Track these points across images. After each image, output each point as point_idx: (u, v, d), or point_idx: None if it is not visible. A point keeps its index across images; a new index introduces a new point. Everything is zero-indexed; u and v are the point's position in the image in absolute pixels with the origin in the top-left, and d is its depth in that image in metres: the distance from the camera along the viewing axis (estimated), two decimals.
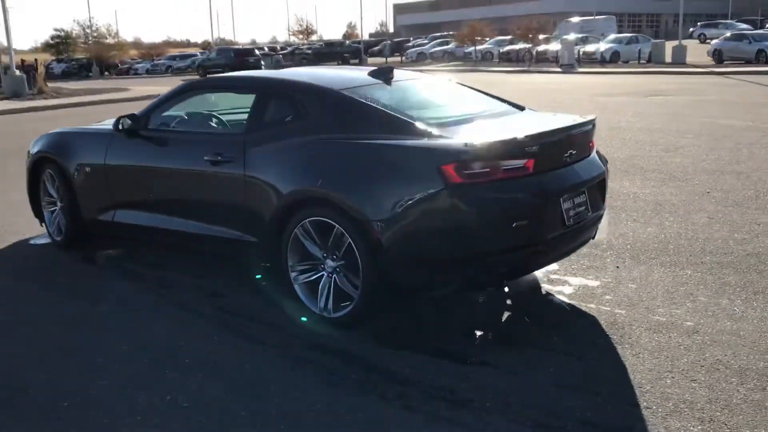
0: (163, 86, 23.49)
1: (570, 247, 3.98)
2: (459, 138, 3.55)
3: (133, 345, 3.68)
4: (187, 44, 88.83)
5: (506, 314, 4.11)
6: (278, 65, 36.45)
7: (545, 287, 4.28)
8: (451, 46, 45.23)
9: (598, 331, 3.65)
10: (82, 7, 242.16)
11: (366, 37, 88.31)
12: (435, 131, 3.65)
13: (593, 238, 4.28)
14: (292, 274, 3.91)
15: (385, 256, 3.50)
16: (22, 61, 32.04)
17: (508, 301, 4.20)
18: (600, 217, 4.11)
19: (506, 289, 4.24)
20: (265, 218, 3.93)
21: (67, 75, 51.29)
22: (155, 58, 60.95)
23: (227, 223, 4.20)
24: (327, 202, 3.68)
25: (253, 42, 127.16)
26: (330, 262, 3.75)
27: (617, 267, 4.56)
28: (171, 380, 3.26)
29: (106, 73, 53.72)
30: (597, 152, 4.17)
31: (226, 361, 3.45)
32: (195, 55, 56.36)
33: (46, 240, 5.60)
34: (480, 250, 3.46)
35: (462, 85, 4.85)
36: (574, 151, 3.79)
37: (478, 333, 3.76)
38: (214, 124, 4.62)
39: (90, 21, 67.28)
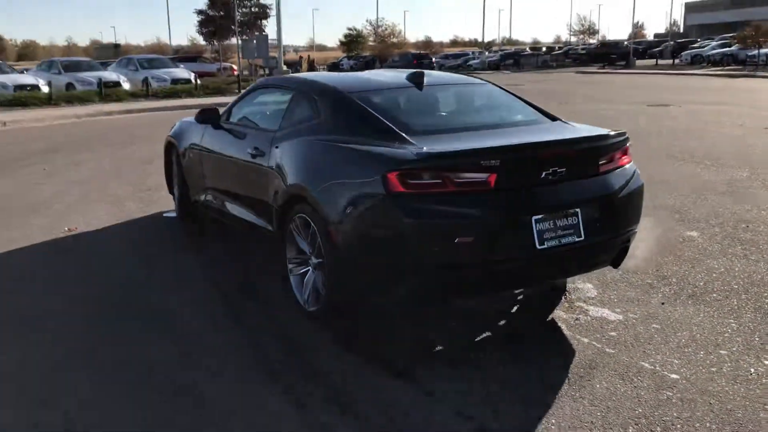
0: None
1: (550, 272, 3.66)
2: (429, 147, 3.43)
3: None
4: (474, 43, 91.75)
5: (485, 334, 3.76)
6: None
7: (557, 313, 3.93)
8: (733, 48, 40.78)
9: (560, 367, 3.30)
10: (383, 7, 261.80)
11: (651, 37, 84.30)
12: (414, 139, 3.57)
13: (616, 266, 3.88)
14: (290, 266, 4.12)
15: (339, 257, 3.55)
16: (300, 56, 35.77)
17: (503, 321, 3.92)
18: (617, 242, 3.72)
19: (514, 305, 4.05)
20: (276, 210, 4.19)
21: (353, 71, 54.84)
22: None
23: (260, 213, 4.53)
24: (306, 200, 3.82)
25: (535, 41, 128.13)
26: (313, 258, 3.88)
27: (663, 303, 4.01)
28: None
29: None
30: (625, 170, 3.78)
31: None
32: (467, 54, 58.31)
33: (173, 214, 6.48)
34: (418, 262, 3.32)
35: (508, 92, 4.62)
36: (562, 169, 3.44)
37: (439, 347, 3.60)
38: (264, 120, 4.97)
39: (378, 21, 72.78)
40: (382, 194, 3.30)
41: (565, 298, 4.10)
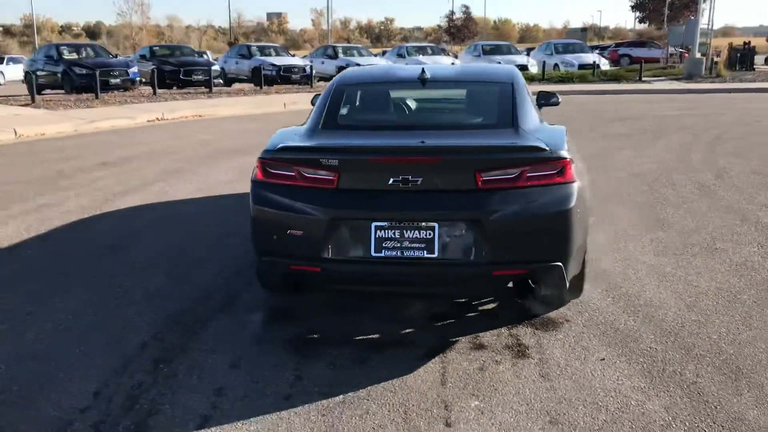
0: None
1: (387, 282, 3.57)
2: (317, 141, 3.77)
3: None
4: None
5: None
6: None
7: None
8: None
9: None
10: None
11: None
12: (323, 132, 3.93)
13: (521, 299, 3.76)
14: None
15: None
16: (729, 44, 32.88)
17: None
18: (501, 275, 3.43)
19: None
20: None
21: None
22: None
23: None
24: None
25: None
26: None
27: (602, 359, 3.49)
28: None
29: None
30: (532, 192, 3.35)
31: None
32: None
33: None
34: (260, 248, 3.63)
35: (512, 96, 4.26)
36: (417, 177, 3.34)
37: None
38: None
39: None
40: (252, 179, 3.68)
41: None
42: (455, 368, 3.40)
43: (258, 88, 23.63)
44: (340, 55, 28.00)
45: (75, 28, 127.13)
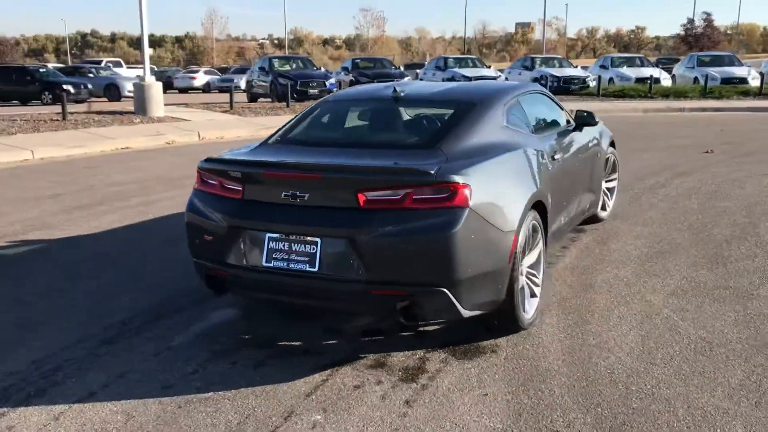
0: None
1: (277, 291, 3.67)
2: (250, 155, 4.02)
3: None
4: None
5: None
6: None
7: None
8: None
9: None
10: None
11: None
12: (267, 146, 4.24)
13: (407, 321, 3.53)
14: None
15: None
16: None
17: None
18: (378, 295, 3.39)
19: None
20: None
21: None
22: None
23: None
24: None
25: None
26: None
27: (485, 395, 3.30)
28: None
29: None
30: (414, 214, 3.30)
31: None
32: None
33: None
34: (192, 250, 3.94)
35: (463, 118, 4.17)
36: (305, 193, 3.45)
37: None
38: None
39: None
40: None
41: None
42: (334, 382, 3.44)
43: None
44: (537, 67, 27.56)
45: (338, 41, 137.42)
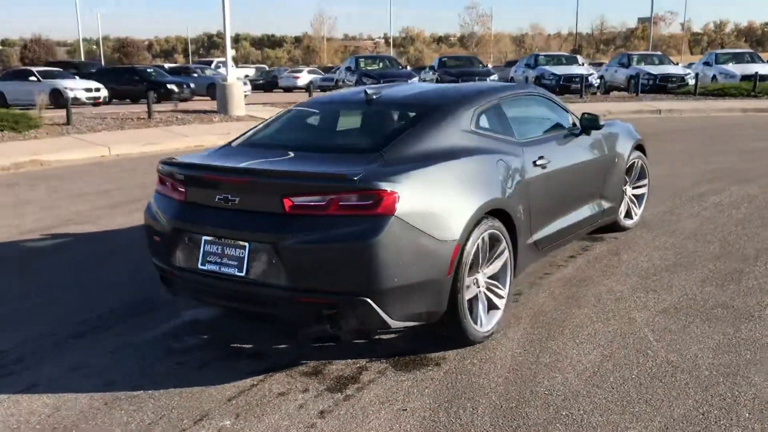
0: None
1: (211, 295, 3.71)
2: (205, 158, 4.03)
3: None
4: None
5: None
6: None
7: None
8: None
9: None
10: None
11: None
12: (229, 148, 4.25)
13: (334, 330, 3.46)
14: None
15: None
16: None
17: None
18: (300, 302, 3.35)
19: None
20: None
21: None
22: None
23: None
24: None
25: None
26: None
27: (404, 410, 3.27)
28: None
29: None
30: (337, 221, 3.23)
31: None
32: None
33: None
34: (150, 250, 4.00)
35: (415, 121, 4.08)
36: (235, 197, 3.44)
37: None
38: None
39: None
40: None
41: None
42: (262, 388, 3.42)
43: (633, 95, 23.53)
44: (633, 64, 26.32)
45: (452, 38, 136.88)
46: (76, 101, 26.10)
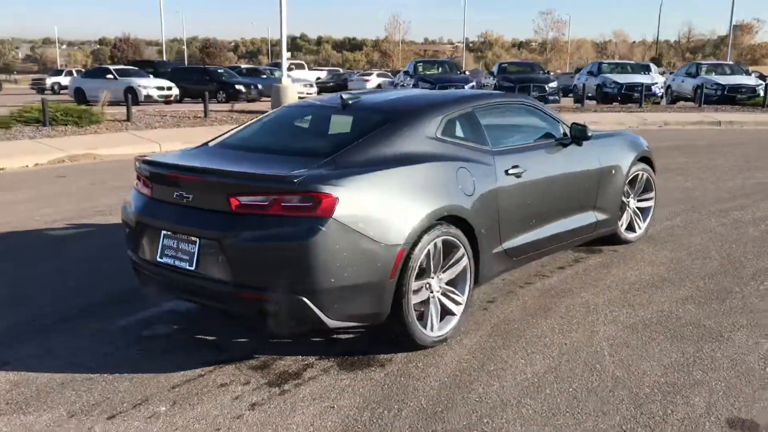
0: None
1: (167, 288, 3.88)
2: (175, 157, 4.19)
3: None
4: None
5: None
6: None
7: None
8: None
9: None
10: None
11: None
12: (205, 148, 4.40)
13: (276, 328, 3.52)
14: None
15: None
16: None
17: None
18: (243, 297, 3.48)
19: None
20: None
21: None
22: None
23: None
24: None
25: None
26: None
27: (332, 408, 3.37)
28: None
29: None
30: (278, 220, 3.35)
31: None
32: None
33: None
34: (126, 243, 4.16)
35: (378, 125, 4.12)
36: (189, 194, 3.62)
37: None
38: None
39: None
40: None
41: None
42: (207, 378, 3.56)
43: (697, 105, 22.89)
44: (702, 74, 25.42)
45: (534, 43, 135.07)
46: (149, 99, 27.37)
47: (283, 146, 4.20)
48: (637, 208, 6.09)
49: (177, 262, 3.67)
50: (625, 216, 5.92)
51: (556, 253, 5.74)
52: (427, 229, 3.70)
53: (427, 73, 24.69)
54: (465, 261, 3.99)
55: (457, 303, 4.00)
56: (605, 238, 5.82)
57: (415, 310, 3.77)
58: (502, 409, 3.23)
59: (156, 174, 3.86)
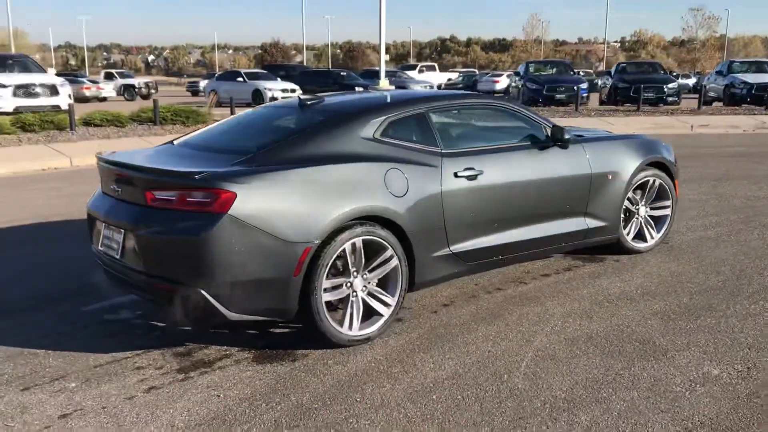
0: None
1: (107, 275, 4.15)
2: (138, 159, 4.31)
3: None
4: None
5: None
6: None
7: None
8: None
9: None
10: None
11: None
12: (169, 146, 4.61)
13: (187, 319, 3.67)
14: None
15: None
16: None
17: None
18: (156, 287, 3.71)
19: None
20: None
21: None
22: None
23: None
24: None
25: None
26: None
27: (218, 396, 3.47)
28: None
29: None
30: (185, 215, 3.53)
31: None
32: None
33: None
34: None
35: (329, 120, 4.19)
36: (119, 188, 3.91)
37: None
38: None
39: None
40: None
41: None
42: (130, 361, 3.79)
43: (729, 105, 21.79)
44: (733, 72, 23.13)
45: (695, 41, 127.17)
46: (274, 100, 28.69)
47: (225, 145, 4.35)
48: (650, 216, 5.72)
49: (109, 251, 3.94)
50: (633, 224, 5.58)
51: (550, 259, 5.54)
52: (342, 229, 3.73)
53: (537, 73, 24.13)
54: (395, 262, 3.98)
55: (386, 304, 4.00)
56: (612, 247, 5.53)
57: (334, 309, 3.81)
58: (375, 411, 3.21)
59: (103, 169, 4.16)
